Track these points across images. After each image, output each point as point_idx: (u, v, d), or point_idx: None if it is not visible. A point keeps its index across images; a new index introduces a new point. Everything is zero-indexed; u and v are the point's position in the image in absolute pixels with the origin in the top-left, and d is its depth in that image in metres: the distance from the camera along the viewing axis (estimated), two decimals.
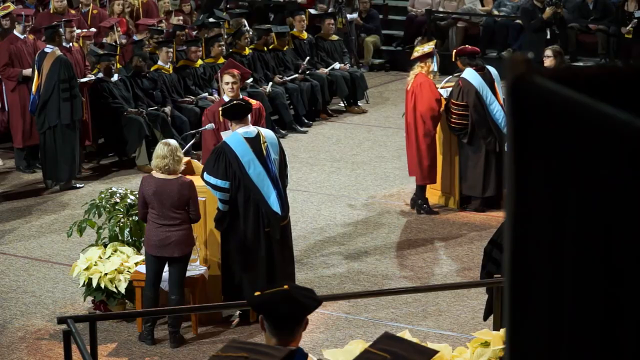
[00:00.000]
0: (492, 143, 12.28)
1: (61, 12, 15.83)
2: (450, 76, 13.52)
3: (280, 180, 9.50)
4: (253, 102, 10.61)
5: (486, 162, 12.39)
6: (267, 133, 9.68)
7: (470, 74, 12.38)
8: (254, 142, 9.41)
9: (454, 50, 13.02)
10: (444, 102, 12.55)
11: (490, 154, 12.37)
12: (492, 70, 12.62)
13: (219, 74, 11.40)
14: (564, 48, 15.29)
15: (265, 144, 9.47)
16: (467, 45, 13.25)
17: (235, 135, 9.43)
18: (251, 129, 9.53)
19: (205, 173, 9.41)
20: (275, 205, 9.39)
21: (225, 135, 9.80)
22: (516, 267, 1.95)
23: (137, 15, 18.33)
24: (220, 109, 9.97)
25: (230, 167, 9.32)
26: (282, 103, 16.37)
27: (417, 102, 12.27)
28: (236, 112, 9.56)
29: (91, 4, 17.65)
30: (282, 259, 9.62)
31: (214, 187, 9.35)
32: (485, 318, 8.66)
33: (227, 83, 10.78)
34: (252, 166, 9.35)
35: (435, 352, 4.67)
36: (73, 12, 16.96)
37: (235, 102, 9.81)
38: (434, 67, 12.37)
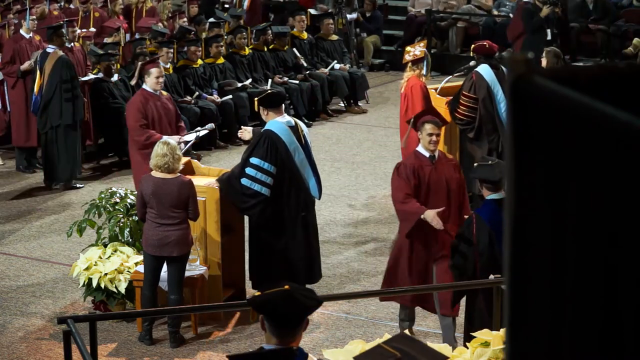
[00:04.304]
0: (495, 141, 12.26)
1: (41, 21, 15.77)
2: (450, 76, 13.47)
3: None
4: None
5: None
6: (300, 122, 9.94)
7: (484, 69, 12.31)
8: (295, 131, 9.61)
9: (472, 45, 12.74)
10: (443, 101, 12.55)
11: (493, 152, 12.34)
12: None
13: (416, 121, 9.51)
14: (563, 48, 15.25)
15: (302, 131, 9.72)
16: (486, 43, 12.70)
17: (279, 124, 9.53)
18: (290, 119, 9.74)
19: (253, 157, 9.43)
20: (314, 191, 9.65)
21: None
22: (516, 267, 1.95)
23: (138, 16, 18.33)
24: (255, 99, 9.95)
25: (278, 154, 9.44)
26: None
27: (409, 106, 12.25)
28: (273, 101, 9.65)
29: (91, 7, 17.65)
30: (317, 243, 9.88)
31: (264, 171, 9.41)
32: (453, 305, 8.79)
33: (431, 134, 9.09)
34: (297, 153, 9.56)
35: (446, 357, 4.66)
36: (55, 13, 16.90)
37: (270, 90, 9.94)
38: (424, 70, 12.31)
